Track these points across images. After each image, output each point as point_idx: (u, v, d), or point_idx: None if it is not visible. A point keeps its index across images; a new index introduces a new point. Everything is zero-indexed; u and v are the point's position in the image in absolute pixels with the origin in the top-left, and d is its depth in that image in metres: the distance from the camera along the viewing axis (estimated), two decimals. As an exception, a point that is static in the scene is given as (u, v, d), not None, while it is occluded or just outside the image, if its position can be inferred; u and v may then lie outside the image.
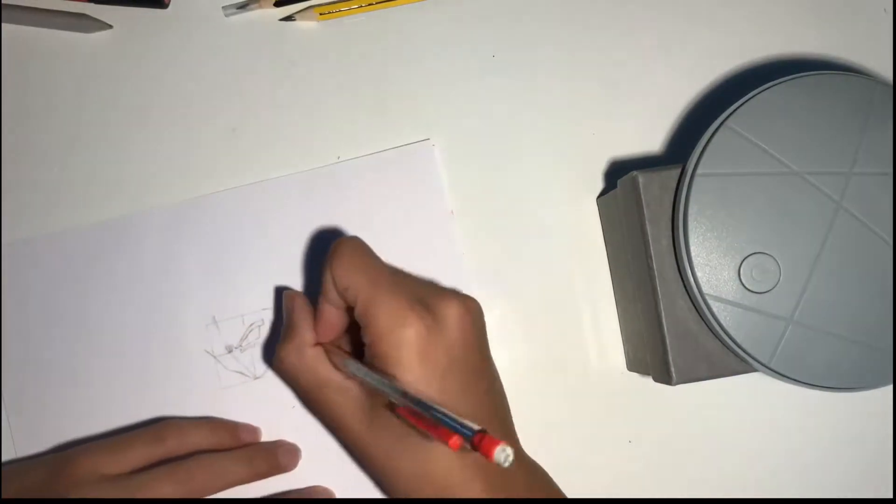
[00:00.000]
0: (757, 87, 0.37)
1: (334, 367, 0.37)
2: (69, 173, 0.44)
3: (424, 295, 0.36)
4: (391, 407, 0.35)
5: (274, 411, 0.43)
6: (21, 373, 0.42)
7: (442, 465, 0.34)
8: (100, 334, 0.43)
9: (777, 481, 0.44)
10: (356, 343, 0.39)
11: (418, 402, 0.31)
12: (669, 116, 0.45)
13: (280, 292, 0.43)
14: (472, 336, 0.36)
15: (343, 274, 0.36)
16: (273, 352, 0.39)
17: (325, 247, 0.38)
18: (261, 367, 0.43)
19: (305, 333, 0.38)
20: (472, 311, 0.36)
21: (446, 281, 0.43)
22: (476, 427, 0.28)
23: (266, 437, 0.43)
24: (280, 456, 0.42)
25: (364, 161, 0.44)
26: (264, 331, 0.43)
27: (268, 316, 0.43)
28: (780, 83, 0.37)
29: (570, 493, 0.41)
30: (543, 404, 0.44)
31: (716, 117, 0.37)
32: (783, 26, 0.46)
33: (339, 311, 0.38)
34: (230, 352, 0.43)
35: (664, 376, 0.38)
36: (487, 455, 0.27)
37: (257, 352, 0.43)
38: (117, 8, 0.44)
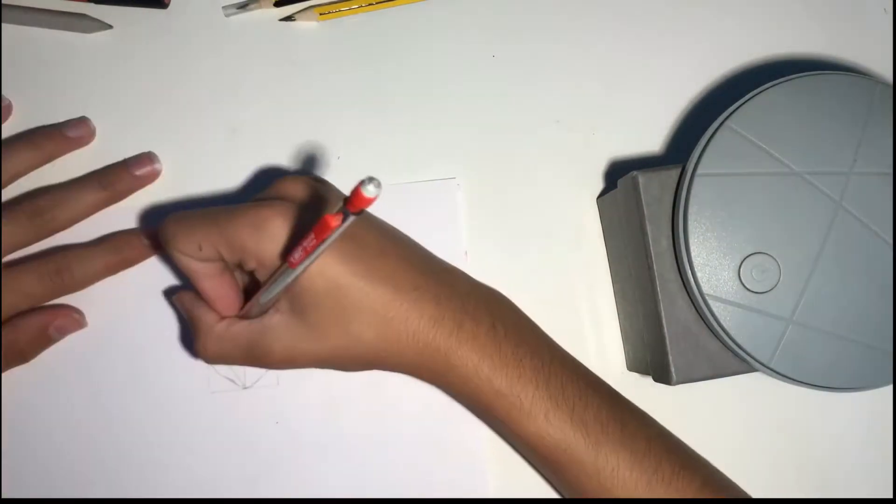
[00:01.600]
0: (757, 87, 0.37)
1: (254, 317, 0.37)
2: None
3: (263, 195, 0.36)
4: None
5: (258, 423, 0.42)
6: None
7: (385, 303, 0.35)
8: (94, 328, 0.43)
9: (777, 481, 0.44)
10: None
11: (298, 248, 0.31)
12: (669, 116, 0.45)
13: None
14: (320, 191, 0.36)
15: (185, 237, 0.35)
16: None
17: None
18: (251, 378, 0.43)
19: (206, 316, 0.37)
20: (310, 182, 0.37)
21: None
22: (337, 205, 0.27)
23: (248, 450, 0.42)
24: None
25: (387, 191, 0.44)
26: None
27: None
28: (780, 83, 0.37)
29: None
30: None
31: (716, 117, 0.37)
32: (783, 26, 0.46)
33: (217, 280, 0.37)
34: None
35: (664, 376, 0.38)
36: (360, 199, 0.25)
37: None
38: (117, 8, 0.44)
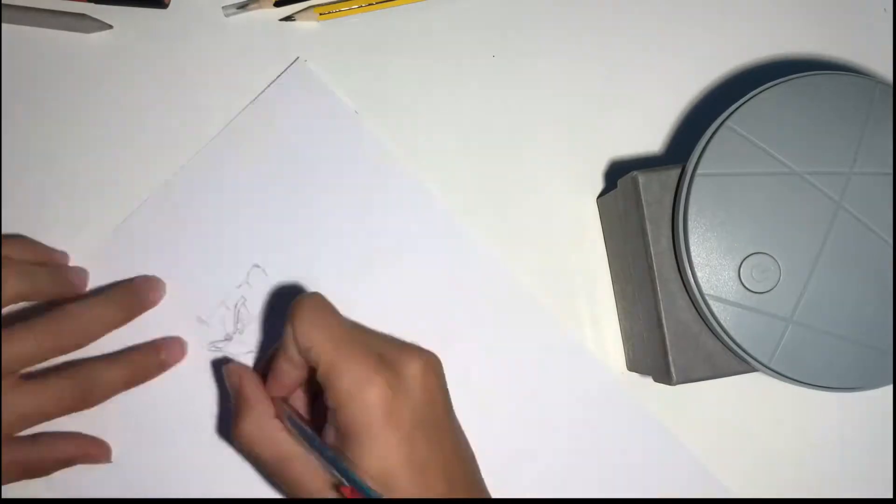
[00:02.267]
0: (757, 87, 0.37)
1: (291, 435, 0.36)
2: (68, 173, 0.44)
3: (385, 352, 0.36)
4: None
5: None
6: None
7: None
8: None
9: (777, 481, 0.44)
10: (310, 399, 0.39)
11: (338, 462, 0.33)
12: (669, 116, 0.45)
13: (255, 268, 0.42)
14: (436, 393, 0.36)
15: (305, 333, 0.35)
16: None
17: (262, 207, 0.39)
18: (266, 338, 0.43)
19: (263, 404, 0.37)
20: (433, 367, 0.36)
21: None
22: (379, 496, 0.29)
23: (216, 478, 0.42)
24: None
25: (251, 109, 0.44)
26: (251, 305, 0.43)
27: (245, 290, 0.43)
28: (780, 83, 0.37)
29: (570, 493, 0.41)
30: (544, 404, 0.44)
31: (716, 117, 0.37)
32: (783, 26, 0.46)
33: (294, 370, 0.37)
34: (230, 339, 0.43)
35: (664, 376, 0.38)
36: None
37: (256, 326, 0.43)
38: (117, 8, 0.44)
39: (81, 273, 0.43)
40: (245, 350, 0.43)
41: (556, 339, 0.44)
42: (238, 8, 0.45)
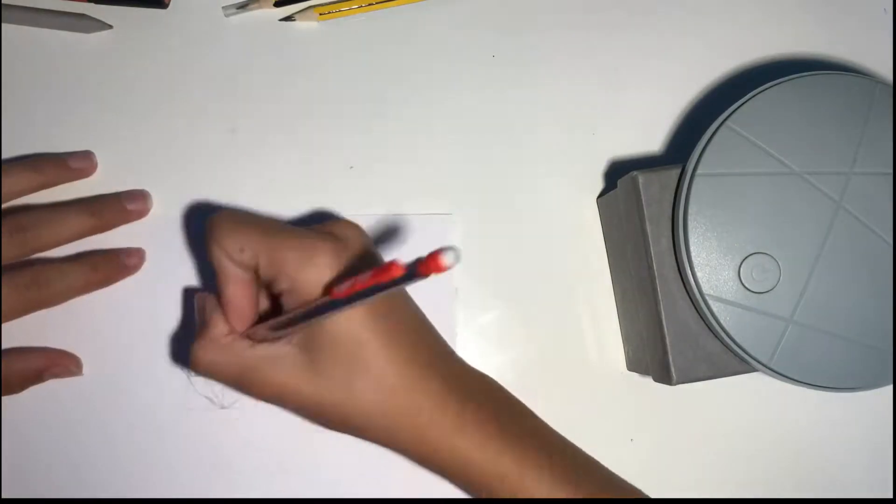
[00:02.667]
0: (757, 87, 0.37)
1: (259, 342, 0.36)
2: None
3: (318, 227, 0.36)
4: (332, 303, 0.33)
5: (234, 445, 0.42)
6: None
7: (398, 373, 0.34)
8: (78, 332, 0.43)
9: (777, 481, 0.44)
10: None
11: (343, 288, 0.30)
12: (669, 116, 0.45)
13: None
14: (369, 243, 0.36)
15: (232, 236, 0.34)
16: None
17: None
18: (229, 398, 0.42)
19: (217, 324, 0.36)
20: (356, 225, 0.36)
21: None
22: (412, 260, 0.26)
23: (221, 474, 0.42)
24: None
25: (384, 220, 0.44)
26: None
27: None
28: (780, 83, 0.37)
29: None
30: (544, 404, 0.44)
31: (716, 117, 0.37)
32: (783, 26, 0.46)
33: (242, 289, 0.36)
34: None
35: (664, 376, 0.38)
36: (438, 267, 0.24)
37: None
38: (117, 8, 0.44)
39: (83, 157, 0.43)
40: (203, 392, 0.42)
41: (557, 339, 0.44)
42: (238, 8, 0.45)
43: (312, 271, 0.33)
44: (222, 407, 0.42)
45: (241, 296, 0.36)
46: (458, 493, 0.37)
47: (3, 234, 0.39)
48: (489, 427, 0.36)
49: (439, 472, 0.37)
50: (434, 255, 0.24)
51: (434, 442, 0.35)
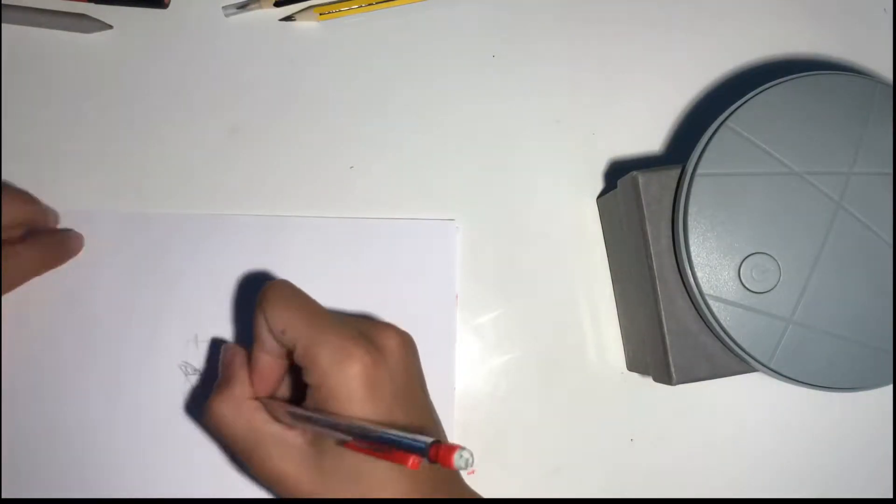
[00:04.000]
0: (757, 87, 0.37)
1: (273, 419, 0.36)
2: (69, 173, 0.44)
3: (362, 328, 0.36)
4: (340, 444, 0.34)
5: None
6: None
7: (400, 491, 0.34)
8: (79, 327, 0.43)
9: (777, 481, 0.44)
10: (295, 396, 0.38)
11: (369, 430, 0.31)
12: (669, 116, 0.45)
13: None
14: (413, 367, 0.36)
15: (279, 315, 0.35)
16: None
17: (332, 296, 0.37)
18: None
19: (242, 384, 0.36)
20: (409, 342, 0.36)
21: (436, 363, 0.41)
22: (428, 439, 0.28)
23: (214, 480, 0.42)
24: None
25: (387, 224, 0.44)
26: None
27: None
28: (780, 83, 0.37)
29: (571, 493, 0.41)
30: (544, 404, 0.44)
31: (716, 117, 0.37)
32: (783, 26, 0.46)
33: (274, 361, 0.36)
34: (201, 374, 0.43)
35: (664, 376, 0.38)
36: (447, 463, 0.26)
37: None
38: (117, 8, 0.44)
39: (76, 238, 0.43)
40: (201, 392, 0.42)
41: (556, 340, 0.44)
42: (238, 8, 0.45)
43: (341, 378, 0.33)
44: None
45: (269, 366, 0.37)
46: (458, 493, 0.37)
47: None
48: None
49: None
50: (446, 453, 0.27)
51: None
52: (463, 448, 0.26)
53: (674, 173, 0.37)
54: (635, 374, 0.44)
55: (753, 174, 0.36)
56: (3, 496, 0.41)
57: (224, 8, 0.45)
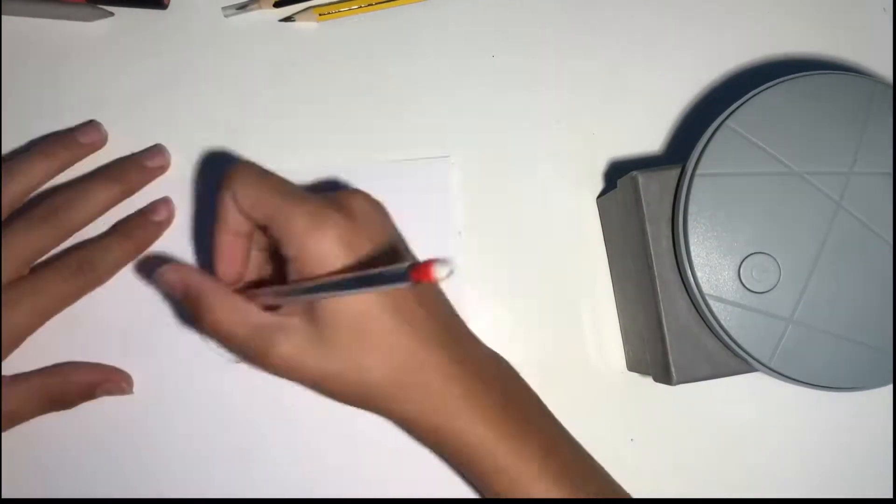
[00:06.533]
0: (757, 87, 0.37)
1: (264, 309, 0.35)
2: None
3: (334, 197, 0.35)
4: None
5: (253, 401, 0.42)
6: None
7: (407, 349, 0.34)
8: (76, 325, 0.42)
9: (777, 481, 0.44)
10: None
11: (351, 277, 0.30)
12: (669, 116, 0.45)
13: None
14: (388, 223, 0.36)
15: (249, 192, 0.34)
16: None
17: None
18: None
19: (216, 284, 0.35)
20: (380, 204, 0.36)
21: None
22: (405, 264, 0.27)
23: (245, 427, 0.42)
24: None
25: (381, 167, 0.44)
26: None
27: None
28: (780, 83, 0.37)
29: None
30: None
31: (716, 117, 0.37)
32: (783, 26, 0.46)
33: (238, 240, 0.36)
34: None
35: (664, 376, 0.38)
36: (428, 277, 0.25)
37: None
38: (117, 8, 0.44)
39: (91, 130, 0.43)
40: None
41: (557, 339, 0.44)
42: (238, 8, 0.45)
43: (320, 239, 0.33)
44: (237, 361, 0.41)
45: (236, 248, 0.36)
46: (458, 494, 0.37)
47: (38, 222, 0.39)
48: (492, 412, 0.36)
49: (438, 451, 0.37)
50: (425, 269, 0.25)
51: (436, 421, 0.35)
52: (439, 259, 0.25)
53: (674, 173, 0.37)
54: (635, 374, 0.44)
55: (753, 174, 0.36)
56: (2, 496, 0.41)
57: (224, 9, 0.45)
